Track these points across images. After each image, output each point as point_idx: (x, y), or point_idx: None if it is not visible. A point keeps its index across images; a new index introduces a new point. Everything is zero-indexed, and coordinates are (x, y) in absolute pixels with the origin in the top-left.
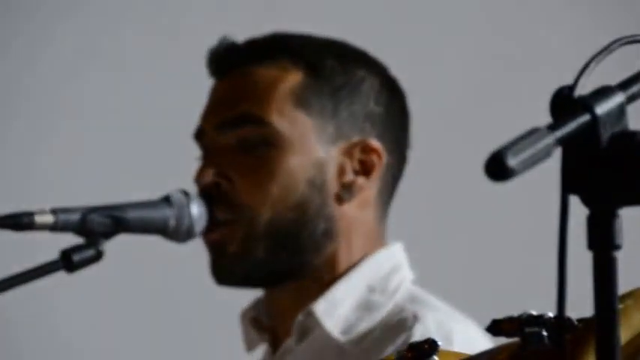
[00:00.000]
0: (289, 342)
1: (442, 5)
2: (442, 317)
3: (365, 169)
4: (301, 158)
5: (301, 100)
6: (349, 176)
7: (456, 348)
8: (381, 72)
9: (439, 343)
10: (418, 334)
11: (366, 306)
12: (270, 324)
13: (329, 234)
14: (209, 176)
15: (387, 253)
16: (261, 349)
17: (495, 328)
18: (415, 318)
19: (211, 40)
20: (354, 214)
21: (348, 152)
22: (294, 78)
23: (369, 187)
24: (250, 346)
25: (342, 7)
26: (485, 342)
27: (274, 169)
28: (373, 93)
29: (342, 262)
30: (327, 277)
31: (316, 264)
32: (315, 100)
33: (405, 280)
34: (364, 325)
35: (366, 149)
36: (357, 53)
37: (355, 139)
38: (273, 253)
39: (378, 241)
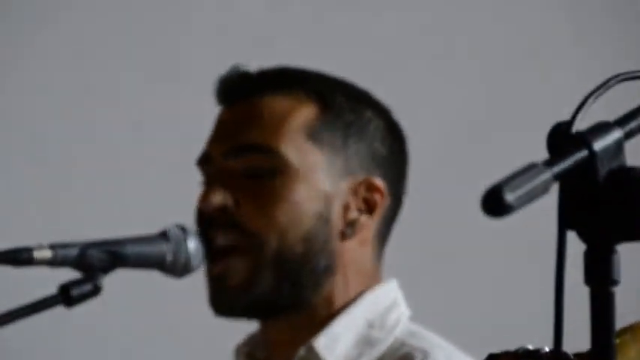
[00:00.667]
0: None
1: (435, 41)
2: (450, 354)
3: (368, 208)
4: (310, 190)
5: (313, 133)
6: (353, 213)
7: None
8: (386, 114)
9: None
10: None
11: (366, 341)
12: (264, 357)
13: (329, 270)
14: (218, 198)
15: (384, 289)
16: None
17: (495, 358)
18: (424, 354)
19: (203, 74)
20: (354, 252)
21: (354, 189)
22: (307, 111)
23: (370, 226)
24: None
25: (333, 48)
26: None
27: (283, 197)
28: (379, 133)
29: (339, 299)
30: (323, 313)
31: (314, 300)
32: (327, 134)
33: (402, 315)
34: None
35: (371, 188)
36: (364, 93)
37: (361, 177)
38: (276, 285)
39: (374, 278)
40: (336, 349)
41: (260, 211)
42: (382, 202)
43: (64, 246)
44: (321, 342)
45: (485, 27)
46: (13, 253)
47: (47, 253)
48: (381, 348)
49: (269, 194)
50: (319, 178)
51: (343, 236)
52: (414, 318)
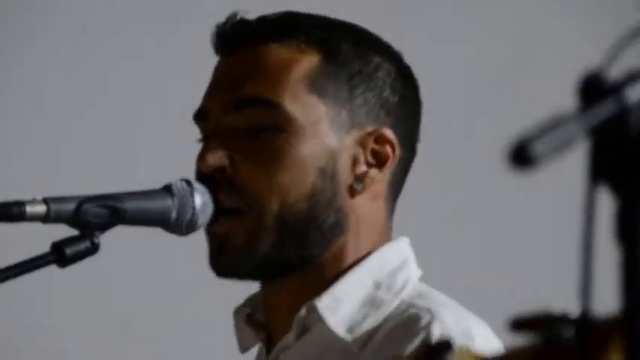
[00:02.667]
0: (288, 338)
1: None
2: (458, 315)
3: (378, 161)
4: (313, 146)
5: (316, 84)
6: (362, 167)
7: (477, 345)
8: (396, 59)
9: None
10: (436, 333)
11: (372, 303)
12: (266, 321)
13: (338, 227)
14: (215, 159)
15: (394, 248)
16: (255, 350)
17: (516, 324)
18: (431, 315)
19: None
20: (365, 208)
21: (362, 142)
22: (309, 60)
23: (381, 180)
24: (244, 346)
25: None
26: (497, 340)
27: (284, 156)
28: (389, 81)
29: (349, 257)
30: (331, 272)
31: (323, 258)
32: (330, 85)
33: (412, 276)
34: (370, 323)
35: (380, 140)
36: (372, 38)
37: (369, 128)
38: (280, 247)
39: (385, 235)
40: (340, 310)
41: (260, 171)
42: (393, 155)
43: (59, 200)
44: (324, 302)
45: None
46: (4, 207)
47: (41, 208)
48: (387, 309)
49: (270, 152)
50: (323, 131)
51: (352, 191)
52: (426, 279)
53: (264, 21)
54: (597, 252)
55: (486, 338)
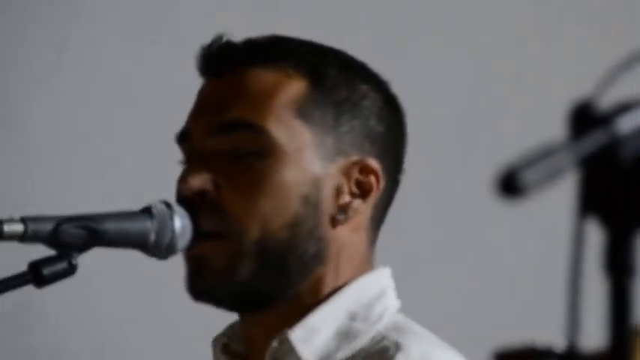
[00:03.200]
0: None
1: (438, 18)
2: (426, 347)
3: (362, 192)
4: (297, 172)
5: (302, 110)
6: (346, 198)
7: None
8: (383, 88)
9: None
10: None
11: (346, 334)
12: (242, 352)
13: (319, 258)
14: (198, 181)
15: (373, 278)
16: None
17: (500, 358)
18: (397, 346)
19: (193, 42)
20: (346, 238)
21: (346, 171)
22: (296, 86)
23: (364, 211)
24: None
25: (337, 12)
26: None
27: (268, 181)
28: (375, 109)
29: (327, 288)
30: (309, 302)
31: (300, 289)
32: (316, 111)
33: (389, 307)
34: (343, 354)
35: (365, 170)
36: (359, 66)
37: (354, 157)
38: (258, 274)
39: (365, 265)
40: (313, 341)
41: (242, 196)
42: (377, 186)
43: (37, 220)
44: (297, 334)
45: None
46: None
47: (18, 227)
48: (361, 341)
49: (253, 177)
50: (308, 159)
51: (334, 222)
52: (410, 309)
53: (250, 44)
54: (585, 284)
55: None
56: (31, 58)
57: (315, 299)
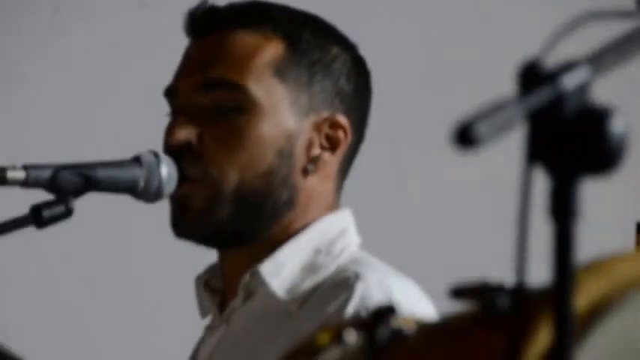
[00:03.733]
0: (236, 301)
1: None
2: (382, 276)
3: (331, 145)
4: (273, 127)
5: (279, 70)
6: (316, 150)
7: (394, 300)
8: (352, 51)
9: (388, 302)
10: (359, 291)
11: (310, 267)
12: (221, 288)
13: (290, 204)
14: (183, 133)
15: (335, 218)
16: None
17: (456, 292)
18: (356, 276)
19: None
20: (316, 187)
21: (318, 126)
22: (274, 47)
23: (333, 163)
24: (205, 312)
25: None
26: (424, 301)
27: (246, 134)
28: (345, 70)
29: (298, 230)
30: (279, 243)
31: (273, 231)
32: (292, 71)
33: (350, 243)
34: (308, 284)
35: (334, 125)
36: (331, 30)
37: (325, 114)
38: (235, 216)
39: (331, 209)
40: (281, 274)
41: (223, 147)
42: (345, 140)
43: (37, 167)
44: (267, 267)
45: None
46: None
47: (20, 174)
48: (324, 273)
49: (232, 131)
50: (283, 115)
51: (305, 172)
52: (370, 248)
53: (233, 8)
54: (532, 227)
55: (408, 297)
56: (28, 20)
57: (283, 239)
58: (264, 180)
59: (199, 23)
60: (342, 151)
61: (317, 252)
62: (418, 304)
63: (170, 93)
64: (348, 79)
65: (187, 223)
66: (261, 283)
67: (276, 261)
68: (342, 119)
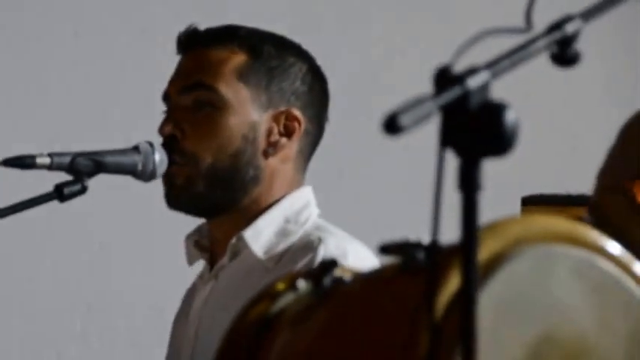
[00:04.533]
0: (224, 260)
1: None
2: (339, 240)
3: (287, 132)
4: (239, 119)
5: (243, 75)
6: (275, 137)
7: (350, 263)
8: (308, 60)
9: (338, 259)
10: (321, 253)
11: (282, 233)
12: (209, 247)
13: (255, 180)
14: (168, 129)
15: (300, 193)
16: (200, 266)
17: (384, 249)
18: (319, 240)
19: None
20: (277, 166)
21: (276, 118)
22: (239, 58)
23: (290, 147)
24: (191, 261)
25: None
26: (372, 259)
27: (217, 124)
28: (300, 75)
29: (264, 203)
30: (252, 213)
31: (244, 202)
32: (253, 76)
33: (312, 214)
34: (281, 247)
35: (290, 117)
36: (291, 44)
37: (282, 108)
38: (210, 189)
39: (294, 187)
40: (260, 238)
41: (199, 136)
42: (299, 129)
43: (59, 154)
44: (249, 233)
45: None
46: (21, 158)
47: (46, 160)
48: (293, 238)
49: (207, 123)
50: (247, 109)
51: (267, 154)
52: (322, 215)
53: (209, 31)
54: (444, 197)
55: (360, 257)
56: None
57: (256, 211)
58: (233, 160)
59: (184, 42)
60: (297, 137)
61: (287, 220)
62: (369, 263)
63: (164, 97)
64: (303, 82)
65: (173, 197)
66: (244, 245)
67: (256, 228)
68: (297, 113)
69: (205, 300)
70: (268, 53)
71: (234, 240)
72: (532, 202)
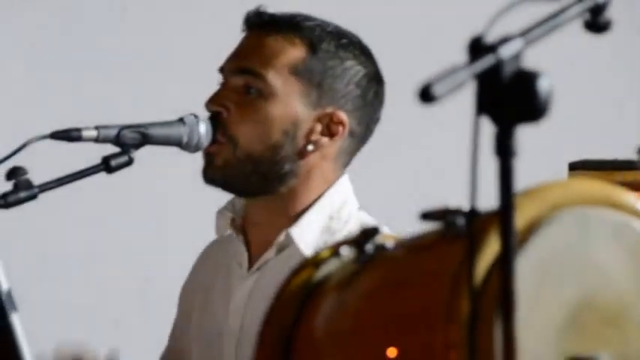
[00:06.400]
0: (269, 253)
1: None
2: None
3: (330, 133)
4: (283, 112)
5: (297, 69)
6: (316, 135)
7: None
8: (367, 63)
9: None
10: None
11: (327, 230)
12: (242, 226)
13: (292, 174)
14: (215, 105)
15: (337, 188)
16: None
17: (425, 215)
18: None
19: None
20: (315, 163)
21: (321, 118)
22: (296, 52)
23: (331, 146)
24: (219, 233)
25: None
26: None
27: (261, 113)
28: (355, 79)
29: (302, 195)
30: (288, 202)
31: (281, 190)
32: (307, 72)
33: (353, 208)
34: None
35: (335, 119)
36: (354, 44)
37: (329, 109)
38: (245, 175)
39: (333, 180)
40: (306, 236)
41: (242, 120)
42: (342, 131)
43: (105, 127)
44: (296, 230)
45: None
46: (68, 131)
47: (93, 133)
48: (338, 236)
49: (252, 109)
50: (294, 104)
51: (305, 151)
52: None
53: (274, 16)
54: (482, 164)
55: None
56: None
57: (294, 202)
58: (271, 152)
59: (248, 22)
60: (339, 138)
61: (331, 217)
62: None
63: (221, 70)
64: (357, 86)
65: (210, 175)
66: (291, 241)
67: (302, 224)
68: (343, 115)
69: (250, 292)
70: (327, 51)
71: (282, 237)
72: (579, 168)
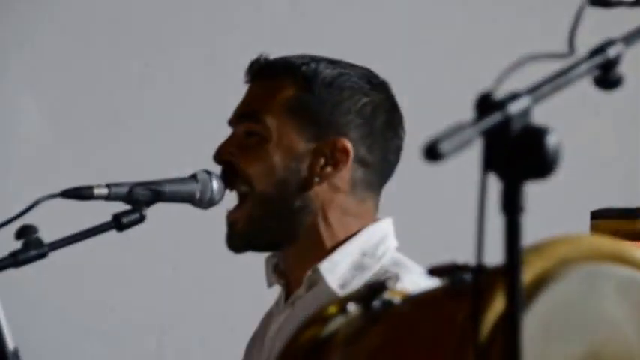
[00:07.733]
0: (300, 290)
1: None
2: (415, 277)
3: (334, 163)
4: (283, 151)
5: (292, 108)
6: (319, 167)
7: None
8: (371, 92)
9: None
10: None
11: (359, 266)
12: (284, 271)
13: (304, 209)
14: (220, 155)
15: (378, 226)
16: (276, 290)
17: (432, 271)
18: (396, 277)
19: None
20: (326, 196)
21: (323, 148)
22: (288, 91)
23: (339, 176)
24: (270, 284)
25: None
26: None
27: (262, 155)
28: (355, 108)
29: (323, 232)
30: (314, 242)
31: (301, 233)
32: (302, 109)
33: (390, 247)
34: (357, 282)
35: (337, 148)
36: (356, 75)
37: (332, 138)
38: (267, 228)
39: (365, 217)
40: (335, 271)
41: (248, 162)
42: (347, 160)
43: (117, 185)
44: (325, 265)
45: None
46: (80, 190)
47: (104, 191)
48: (369, 273)
49: (254, 151)
50: (292, 141)
51: (311, 183)
52: (401, 248)
53: (267, 63)
54: (488, 221)
55: None
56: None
57: (315, 241)
58: (279, 189)
59: (247, 73)
60: (345, 167)
61: (364, 254)
62: None
63: (228, 123)
64: (358, 115)
65: (234, 242)
66: (320, 277)
67: (332, 260)
68: (347, 144)
69: (280, 327)
70: (322, 85)
71: (310, 272)
72: (601, 216)
